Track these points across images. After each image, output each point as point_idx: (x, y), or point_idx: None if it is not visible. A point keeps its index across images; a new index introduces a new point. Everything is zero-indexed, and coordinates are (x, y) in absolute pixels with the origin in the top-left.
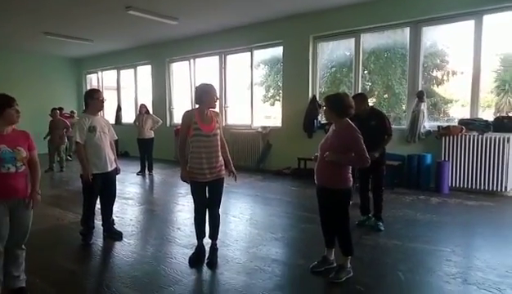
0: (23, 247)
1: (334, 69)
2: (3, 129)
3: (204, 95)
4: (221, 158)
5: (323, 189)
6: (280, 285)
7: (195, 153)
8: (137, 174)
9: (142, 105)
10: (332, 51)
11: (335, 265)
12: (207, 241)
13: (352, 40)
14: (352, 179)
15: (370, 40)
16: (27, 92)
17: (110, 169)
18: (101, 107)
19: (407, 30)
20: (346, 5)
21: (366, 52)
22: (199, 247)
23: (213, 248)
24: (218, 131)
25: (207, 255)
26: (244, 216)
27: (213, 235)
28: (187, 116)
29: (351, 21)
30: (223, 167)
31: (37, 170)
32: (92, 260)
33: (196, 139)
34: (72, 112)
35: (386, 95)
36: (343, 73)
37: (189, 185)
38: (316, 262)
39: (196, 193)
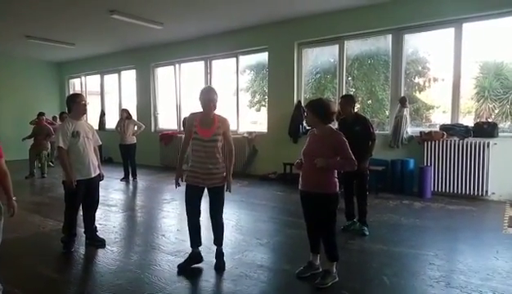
0: None
1: (318, 75)
2: None
3: (200, 99)
4: (222, 165)
5: (309, 194)
6: (265, 291)
7: (194, 157)
8: (121, 180)
9: (123, 110)
10: (317, 57)
11: (321, 270)
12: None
13: (336, 46)
14: (338, 183)
15: (353, 47)
16: (8, 96)
17: (93, 175)
18: (84, 111)
19: (389, 37)
20: (330, 12)
21: (350, 59)
22: (193, 255)
23: (219, 253)
24: (219, 137)
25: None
26: (229, 222)
27: (218, 241)
28: (190, 118)
29: (335, 28)
30: (224, 175)
31: (7, 178)
32: (74, 269)
33: (194, 143)
34: (54, 118)
35: (370, 101)
36: (327, 79)
37: (176, 189)
38: (302, 267)
39: (188, 197)
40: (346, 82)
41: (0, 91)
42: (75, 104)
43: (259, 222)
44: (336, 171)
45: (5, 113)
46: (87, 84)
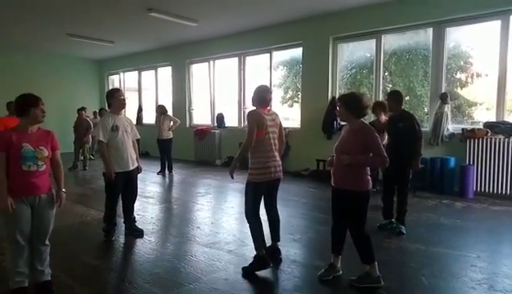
0: (46, 242)
1: (354, 70)
2: (28, 128)
3: (260, 96)
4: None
5: (339, 190)
6: (299, 286)
7: (264, 153)
8: (158, 173)
9: (159, 106)
10: (352, 52)
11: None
12: (227, 244)
13: (373, 41)
14: (371, 181)
15: (391, 41)
16: (51, 92)
17: (131, 168)
18: (123, 106)
19: (430, 31)
20: (367, 5)
21: (387, 53)
22: (264, 258)
23: (277, 248)
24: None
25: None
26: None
27: (278, 236)
28: (259, 117)
29: (372, 22)
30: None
31: (60, 169)
32: (114, 257)
33: (266, 138)
34: (95, 113)
35: (407, 98)
36: (363, 74)
37: (208, 186)
38: (323, 270)
39: (257, 196)
40: (383, 78)
41: (43, 88)
42: (114, 99)
43: (291, 218)
44: (369, 169)
45: (48, 109)
46: (125, 80)
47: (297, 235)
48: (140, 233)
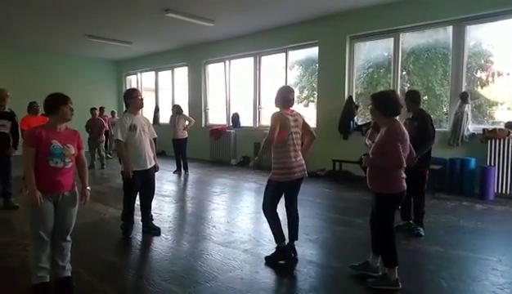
0: (68, 238)
1: (371, 69)
2: (57, 126)
3: (283, 96)
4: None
5: (372, 192)
6: (315, 287)
7: (287, 153)
8: (174, 172)
9: (174, 106)
10: (369, 51)
11: (379, 274)
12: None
13: (391, 40)
14: (402, 184)
15: (409, 39)
16: (70, 92)
17: (149, 166)
18: (140, 105)
19: (450, 29)
20: (385, 3)
21: (406, 52)
22: (286, 250)
23: (293, 248)
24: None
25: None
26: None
27: (296, 235)
28: (283, 117)
29: (390, 20)
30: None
31: (85, 168)
32: (132, 254)
33: (290, 138)
34: (113, 112)
35: (426, 97)
36: (380, 73)
37: (223, 186)
38: (358, 263)
39: (279, 194)
40: (401, 77)
41: (62, 88)
42: (132, 100)
43: (307, 218)
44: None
45: None
46: (142, 81)
47: (313, 235)
48: (157, 231)
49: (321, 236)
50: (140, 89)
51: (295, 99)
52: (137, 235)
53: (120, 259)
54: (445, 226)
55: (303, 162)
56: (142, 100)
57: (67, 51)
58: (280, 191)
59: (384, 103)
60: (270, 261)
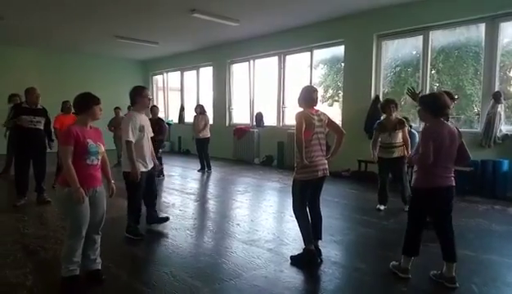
0: (99, 232)
1: (398, 68)
2: (87, 124)
3: (307, 96)
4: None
5: None
6: (340, 288)
7: (312, 152)
8: (198, 171)
9: (198, 106)
10: (397, 50)
11: (456, 285)
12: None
13: (420, 38)
14: (433, 180)
15: (439, 38)
16: (98, 92)
17: (151, 166)
18: (147, 105)
19: (482, 26)
20: (414, 1)
21: (435, 51)
22: (313, 253)
23: (317, 247)
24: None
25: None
26: None
27: (320, 234)
28: (307, 116)
29: (419, 18)
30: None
31: (108, 163)
32: (158, 249)
33: (314, 137)
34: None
35: (456, 97)
36: (408, 72)
37: (247, 185)
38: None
39: (305, 193)
40: (430, 76)
41: (91, 88)
42: (141, 98)
43: (331, 219)
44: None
45: None
46: (168, 80)
47: (337, 236)
48: (166, 218)
49: (345, 237)
50: (166, 89)
51: (319, 98)
52: (164, 230)
53: (146, 254)
54: (476, 230)
55: (326, 161)
56: (150, 100)
57: (96, 52)
58: (306, 190)
59: (429, 104)
60: (295, 261)
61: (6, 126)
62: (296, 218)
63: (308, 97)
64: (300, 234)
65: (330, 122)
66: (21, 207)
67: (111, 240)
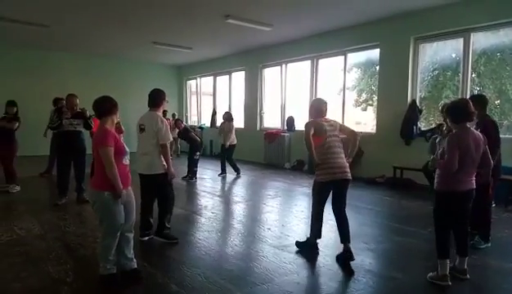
0: (132, 230)
1: (436, 71)
2: (112, 126)
3: (317, 106)
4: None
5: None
6: None
7: (328, 155)
8: (219, 175)
9: (225, 113)
10: (435, 53)
11: (467, 277)
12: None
13: (461, 40)
14: (455, 185)
15: (481, 40)
16: (135, 96)
17: None
18: (164, 107)
19: None
20: (454, 2)
21: (476, 53)
22: (315, 246)
23: (349, 250)
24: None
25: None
26: (333, 223)
27: (348, 237)
28: (318, 124)
29: (460, 19)
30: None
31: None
32: (190, 251)
33: (329, 140)
34: (174, 114)
35: (498, 101)
36: (446, 76)
37: (277, 189)
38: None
39: (325, 195)
40: (470, 80)
41: (128, 91)
42: (163, 102)
43: (365, 226)
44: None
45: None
46: (201, 85)
47: (372, 244)
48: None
49: (380, 245)
50: (199, 93)
51: (352, 102)
52: (196, 233)
53: (179, 255)
54: None
55: (346, 164)
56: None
57: (133, 57)
58: (324, 192)
59: (452, 110)
60: (297, 245)
61: (50, 129)
62: (311, 215)
63: (319, 109)
64: (332, 242)
65: (343, 127)
66: (62, 205)
67: (145, 240)
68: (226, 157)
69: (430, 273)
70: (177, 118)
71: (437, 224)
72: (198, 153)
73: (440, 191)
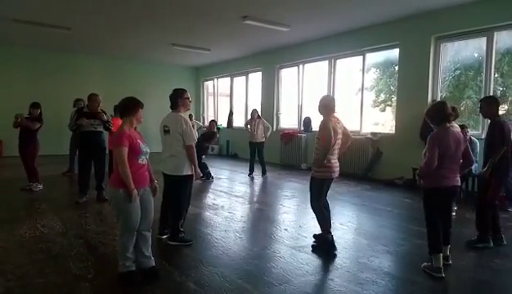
0: (150, 229)
1: (458, 71)
2: (133, 126)
3: (328, 105)
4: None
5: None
6: None
7: (331, 154)
8: (249, 175)
9: (254, 110)
10: (457, 52)
11: (449, 262)
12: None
13: (484, 39)
14: (439, 180)
15: (505, 39)
16: (154, 97)
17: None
18: (188, 106)
19: None
20: (477, 0)
21: (499, 52)
22: (330, 242)
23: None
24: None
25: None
26: (351, 225)
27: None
28: (330, 124)
29: (483, 18)
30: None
31: (149, 164)
32: (208, 250)
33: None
34: (190, 115)
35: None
36: (468, 76)
37: (294, 190)
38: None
39: (323, 190)
40: (493, 80)
41: (146, 92)
42: (184, 100)
43: (384, 228)
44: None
45: (151, 113)
46: (218, 86)
47: (391, 247)
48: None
49: (400, 248)
50: (216, 94)
51: (371, 103)
52: (213, 232)
53: (197, 254)
54: None
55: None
56: (189, 100)
57: (153, 59)
58: (323, 187)
59: (431, 113)
60: (315, 249)
61: (70, 129)
62: (314, 211)
63: (330, 106)
64: (350, 243)
65: (345, 131)
66: (83, 204)
67: (160, 239)
68: (258, 155)
69: (425, 263)
70: (211, 119)
71: (427, 221)
72: (203, 157)
73: (426, 188)
